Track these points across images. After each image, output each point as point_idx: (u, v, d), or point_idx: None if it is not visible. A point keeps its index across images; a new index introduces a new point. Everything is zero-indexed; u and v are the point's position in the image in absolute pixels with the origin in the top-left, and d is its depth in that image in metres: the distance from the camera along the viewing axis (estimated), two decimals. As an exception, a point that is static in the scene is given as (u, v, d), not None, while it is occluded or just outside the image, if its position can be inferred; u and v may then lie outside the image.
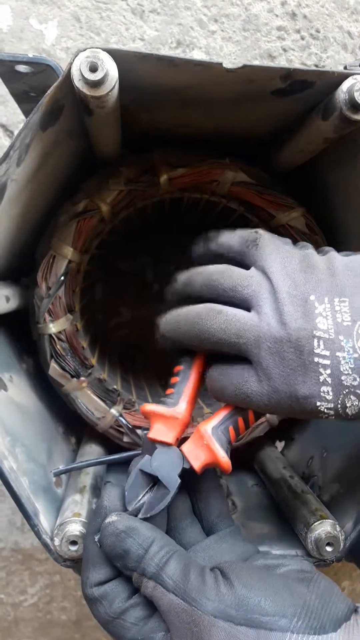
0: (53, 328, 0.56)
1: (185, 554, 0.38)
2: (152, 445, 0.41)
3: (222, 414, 0.41)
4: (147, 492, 0.40)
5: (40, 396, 0.59)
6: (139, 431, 0.59)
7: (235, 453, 0.64)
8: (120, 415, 0.59)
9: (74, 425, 0.64)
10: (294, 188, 0.63)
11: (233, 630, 0.33)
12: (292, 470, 0.60)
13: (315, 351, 0.36)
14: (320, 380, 0.36)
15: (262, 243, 0.41)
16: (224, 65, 0.43)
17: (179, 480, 0.40)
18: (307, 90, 0.47)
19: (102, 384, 0.60)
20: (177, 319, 0.42)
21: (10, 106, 0.82)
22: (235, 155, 0.60)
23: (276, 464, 0.62)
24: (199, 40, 0.88)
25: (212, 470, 0.44)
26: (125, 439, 0.60)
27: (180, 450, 0.40)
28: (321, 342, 0.36)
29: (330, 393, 0.36)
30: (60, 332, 0.57)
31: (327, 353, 0.36)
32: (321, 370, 0.36)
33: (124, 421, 0.59)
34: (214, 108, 0.53)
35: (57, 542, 0.44)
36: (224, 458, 0.40)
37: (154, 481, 0.40)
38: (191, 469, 0.40)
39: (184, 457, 0.40)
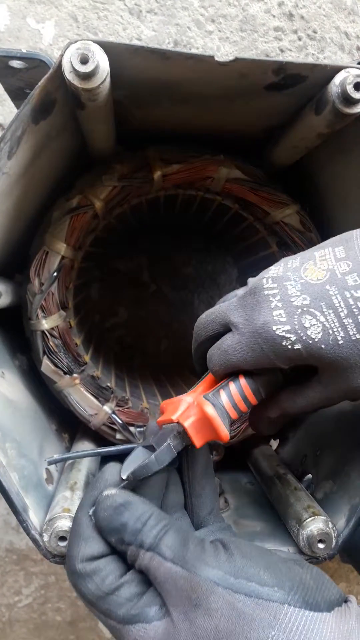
0: (46, 324, 0.56)
1: (183, 527, 0.38)
2: (158, 430, 0.42)
3: (216, 386, 0.43)
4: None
5: (33, 393, 0.59)
6: (132, 428, 0.59)
7: (229, 451, 0.65)
8: (114, 412, 0.59)
9: (67, 423, 0.64)
10: (289, 185, 0.62)
11: (231, 598, 0.33)
12: (286, 467, 0.60)
13: (265, 286, 0.41)
14: (272, 307, 0.40)
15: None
16: (216, 58, 0.43)
17: (167, 441, 0.40)
18: (300, 85, 0.47)
19: (96, 381, 0.60)
20: None
21: (7, 105, 0.82)
22: (230, 152, 0.60)
23: (270, 461, 0.61)
24: (196, 40, 0.88)
25: (207, 467, 0.44)
26: (118, 436, 0.59)
27: (178, 422, 0.40)
28: (269, 280, 0.41)
29: (284, 315, 0.39)
30: (53, 329, 0.57)
31: (275, 285, 0.40)
32: (271, 298, 0.40)
33: (117, 418, 0.59)
34: (208, 104, 0.53)
35: (46, 537, 0.44)
36: (210, 409, 0.40)
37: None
38: (184, 432, 0.40)
39: (178, 424, 0.40)
